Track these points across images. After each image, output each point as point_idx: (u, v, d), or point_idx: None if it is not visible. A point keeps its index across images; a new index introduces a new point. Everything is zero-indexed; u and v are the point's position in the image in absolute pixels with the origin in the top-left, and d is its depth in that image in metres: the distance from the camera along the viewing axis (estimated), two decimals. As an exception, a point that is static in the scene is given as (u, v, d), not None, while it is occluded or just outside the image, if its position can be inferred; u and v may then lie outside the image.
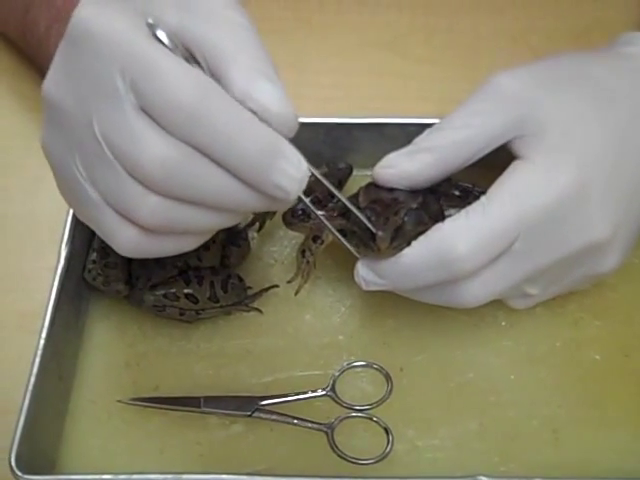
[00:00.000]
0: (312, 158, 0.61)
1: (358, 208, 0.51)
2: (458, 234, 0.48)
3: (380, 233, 0.49)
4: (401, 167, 0.51)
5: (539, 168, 0.49)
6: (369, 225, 0.49)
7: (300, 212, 0.57)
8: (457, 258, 0.48)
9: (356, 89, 0.70)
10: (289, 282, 0.58)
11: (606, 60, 0.54)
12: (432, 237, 0.49)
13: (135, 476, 0.49)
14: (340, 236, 0.51)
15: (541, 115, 0.50)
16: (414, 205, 0.51)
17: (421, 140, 0.52)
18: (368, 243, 0.50)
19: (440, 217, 0.52)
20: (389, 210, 0.50)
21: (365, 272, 0.51)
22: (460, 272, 0.48)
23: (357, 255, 0.51)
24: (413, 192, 0.52)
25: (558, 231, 0.49)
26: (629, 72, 0.53)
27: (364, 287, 0.52)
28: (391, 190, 0.52)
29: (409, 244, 0.49)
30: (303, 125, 0.60)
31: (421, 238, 0.49)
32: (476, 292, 0.50)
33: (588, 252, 0.50)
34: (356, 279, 0.52)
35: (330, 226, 0.50)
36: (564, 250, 0.50)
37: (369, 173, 0.62)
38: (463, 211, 0.49)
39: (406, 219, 0.50)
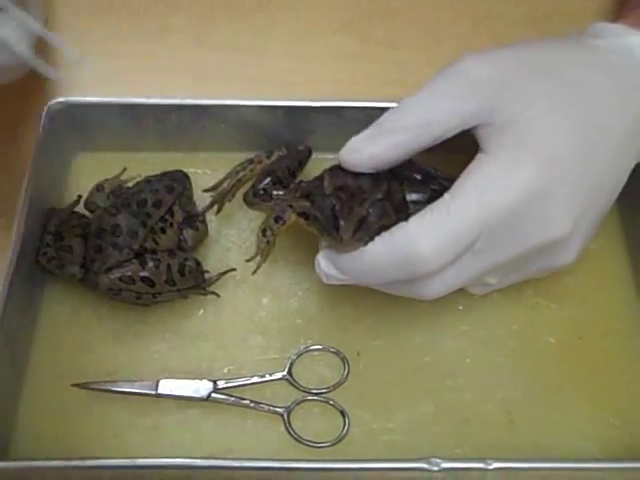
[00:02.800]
0: (272, 140, 0.62)
1: (323, 195, 0.51)
2: (422, 236, 0.48)
3: (343, 223, 0.49)
4: (367, 150, 0.50)
5: (504, 165, 0.48)
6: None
7: (262, 192, 0.57)
8: (421, 260, 0.48)
9: (316, 73, 0.70)
10: (248, 261, 0.57)
11: (575, 52, 0.53)
12: (396, 236, 0.48)
13: (89, 461, 0.49)
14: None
15: (508, 105, 0.50)
16: (379, 195, 0.50)
17: (385, 120, 0.51)
18: (331, 232, 0.49)
19: (404, 207, 0.52)
20: (354, 200, 0.50)
21: (326, 266, 0.51)
22: (423, 272, 0.48)
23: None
24: (378, 178, 0.52)
25: (520, 228, 0.49)
26: (597, 65, 0.52)
27: (325, 280, 0.51)
28: (356, 175, 0.51)
29: (372, 238, 0.49)
30: (262, 108, 0.61)
31: (385, 235, 0.49)
32: (437, 287, 0.50)
33: (548, 247, 0.50)
34: (317, 271, 0.51)
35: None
36: (524, 246, 0.50)
37: (329, 156, 0.62)
38: (428, 209, 0.48)
39: (371, 210, 0.49)
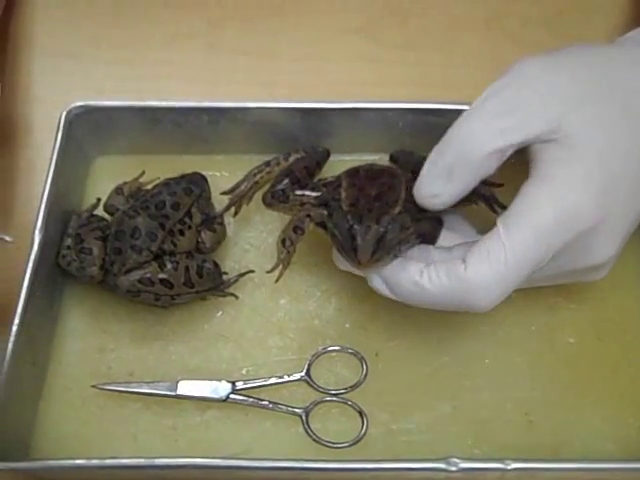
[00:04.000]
0: (289, 142, 0.62)
1: (339, 207, 0.50)
2: (482, 286, 0.47)
3: (361, 244, 0.48)
4: (446, 194, 0.49)
5: (563, 199, 0.46)
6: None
7: (280, 193, 0.57)
8: (480, 306, 0.48)
9: (330, 75, 0.70)
10: (269, 272, 0.56)
11: (637, 70, 0.50)
12: (453, 283, 0.47)
13: (108, 461, 0.49)
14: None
15: (572, 124, 0.47)
16: (397, 209, 0.50)
17: (450, 149, 0.48)
18: (349, 253, 0.49)
19: (423, 209, 0.51)
20: (371, 216, 0.49)
21: (379, 285, 0.51)
22: (478, 312, 0.48)
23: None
24: (396, 180, 0.52)
25: (567, 256, 0.48)
26: None
27: (377, 292, 0.52)
28: (374, 180, 0.52)
29: (389, 254, 0.49)
30: (280, 110, 0.61)
31: (442, 277, 0.47)
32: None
33: (587, 269, 0.50)
34: (369, 284, 0.52)
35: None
36: (567, 268, 0.50)
37: (346, 158, 0.62)
38: (484, 253, 0.47)
39: (389, 227, 0.49)
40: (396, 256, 0.50)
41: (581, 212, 0.47)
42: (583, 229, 0.47)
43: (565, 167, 0.47)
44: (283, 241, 0.56)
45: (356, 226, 0.49)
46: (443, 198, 0.49)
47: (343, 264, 0.53)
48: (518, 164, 0.49)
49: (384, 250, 0.49)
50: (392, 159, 0.60)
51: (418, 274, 0.49)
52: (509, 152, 0.48)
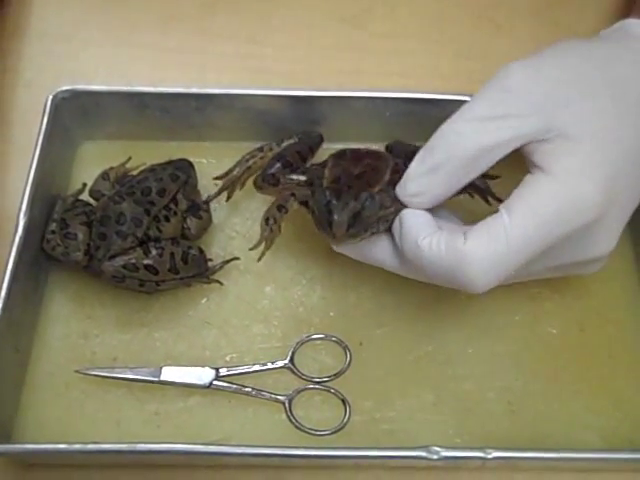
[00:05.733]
0: (277, 130, 0.62)
1: (321, 185, 0.51)
2: (480, 266, 0.46)
3: (337, 218, 0.48)
4: (429, 194, 0.49)
5: (565, 193, 0.46)
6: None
7: (271, 176, 0.57)
8: (472, 283, 0.47)
9: (320, 63, 0.69)
10: (251, 249, 0.56)
11: (631, 60, 0.50)
12: (451, 252, 0.47)
13: (90, 445, 0.49)
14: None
15: (566, 121, 0.47)
16: (377, 188, 0.50)
17: (437, 149, 0.48)
18: (325, 227, 0.49)
19: None
20: (350, 193, 0.49)
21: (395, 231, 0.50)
22: (471, 288, 0.48)
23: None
24: (381, 162, 0.52)
25: (567, 248, 0.48)
26: None
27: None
28: (359, 160, 0.52)
29: (366, 230, 0.49)
30: (269, 97, 0.61)
31: (441, 243, 0.47)
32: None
33: (585, 263, 0.51)
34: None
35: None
36: (565, 261, 0.50)
37: (336, 146, 0.62)
38: (484, 231, 0.47)
39: (367, 204, 0.49)
40: (374, 233, 0.50)
41: (585, 203, 0.46)
42: (587, 221, 0.47)
43: (564, 158, 0.47)
44: (267, 220, 0.56)
45: (334, 201, 0.49)
46: (426, 197, 0.49)
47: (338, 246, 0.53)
48: (516, 158, 0.49)
49: (360, 226, 0.49)
50: (387, 150, 0.60)
51: (422, 237, 0.48)
52: (501, 154, 0.48)
